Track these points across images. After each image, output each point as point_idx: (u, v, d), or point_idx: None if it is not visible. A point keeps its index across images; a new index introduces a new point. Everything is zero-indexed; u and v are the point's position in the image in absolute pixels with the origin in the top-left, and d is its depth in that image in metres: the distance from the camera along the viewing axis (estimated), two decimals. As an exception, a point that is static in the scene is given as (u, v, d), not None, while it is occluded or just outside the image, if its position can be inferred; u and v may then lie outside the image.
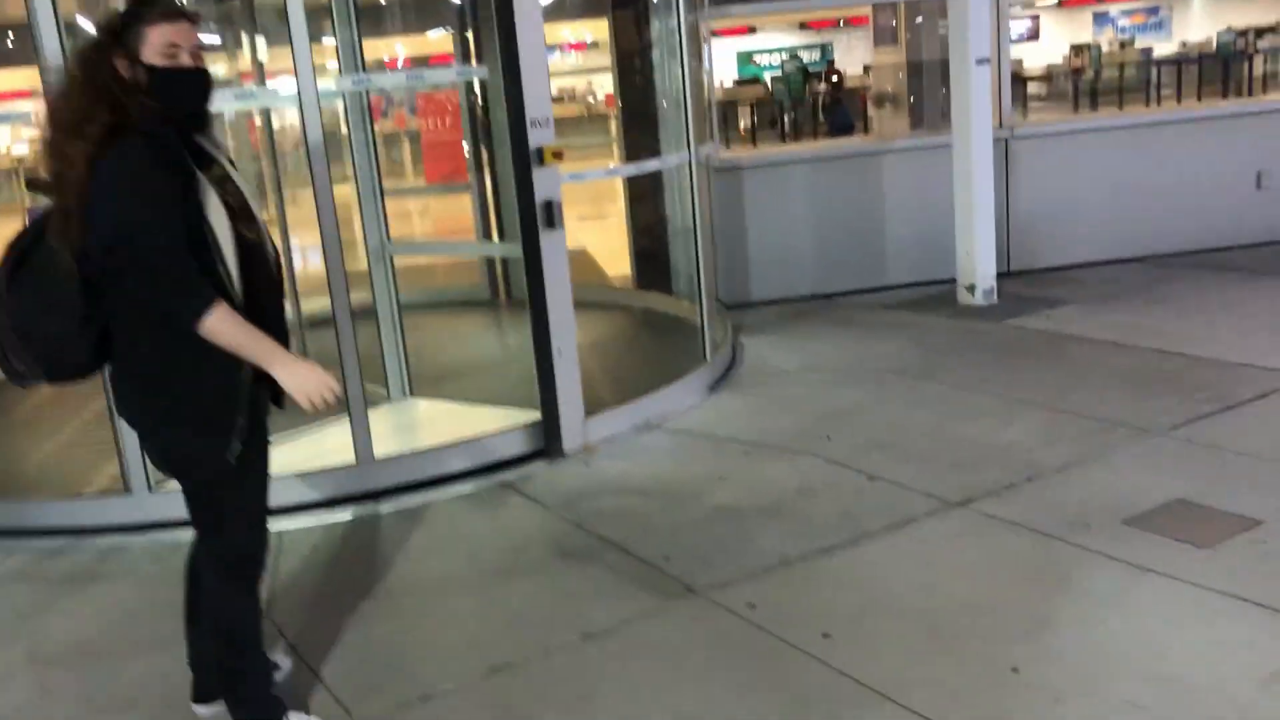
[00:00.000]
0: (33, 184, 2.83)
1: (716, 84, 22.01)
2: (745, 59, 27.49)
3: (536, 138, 4.51)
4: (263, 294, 2.57)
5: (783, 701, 2.86)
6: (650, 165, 5.80)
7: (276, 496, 2.87)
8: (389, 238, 5.45)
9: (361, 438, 4.48)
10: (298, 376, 2.50)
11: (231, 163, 2.64)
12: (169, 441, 2.63)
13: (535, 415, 4.79)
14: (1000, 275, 7.11)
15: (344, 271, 4.36)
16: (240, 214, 2.54)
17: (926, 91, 8.72)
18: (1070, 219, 7.61)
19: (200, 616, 2.89)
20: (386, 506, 4.45)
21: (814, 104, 17.33)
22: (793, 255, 7.44)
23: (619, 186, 7.31)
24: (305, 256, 6.34)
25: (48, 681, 3.28)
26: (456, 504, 4.44)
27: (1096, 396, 4.99)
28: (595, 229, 9.83)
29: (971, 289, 6.89)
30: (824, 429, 4.91)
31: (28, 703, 3.18)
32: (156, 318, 2.46)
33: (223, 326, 2.42)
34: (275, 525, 3.72)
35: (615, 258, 8.27)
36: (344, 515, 4.40)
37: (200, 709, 3.01)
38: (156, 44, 2.45)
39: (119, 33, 2.47)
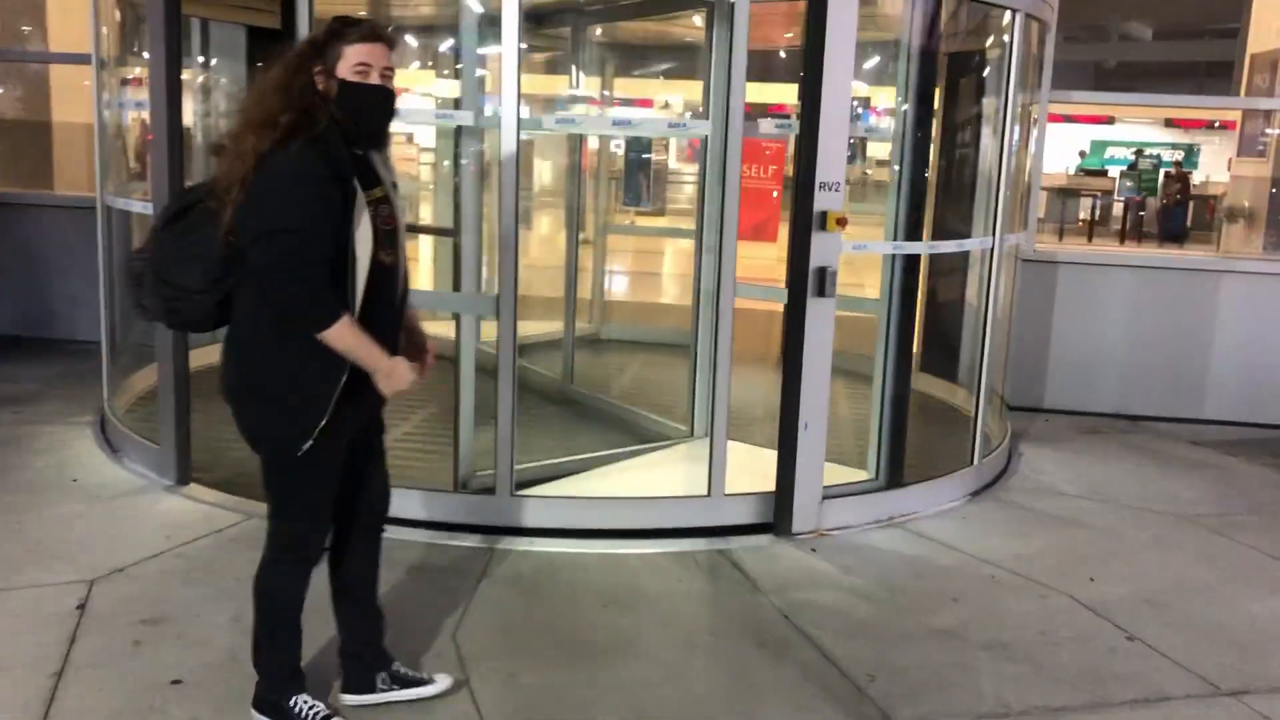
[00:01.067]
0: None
1: (1061, 170, 21.01)
2: (1100, 149, 25.96)
3: (823, 201, 4.28)
4: (379, 309, 2.68)
5: None
6: (943, 246, 5.41)
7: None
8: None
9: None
10: (389, 376, 2.66)
11: (395, 185, 2.72)
12: (254, 417, 2.74)
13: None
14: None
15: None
16: (384, 239, 2.66)
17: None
18: None
19: (353, 609, 3.07)
20: (595, 545, 4.33)
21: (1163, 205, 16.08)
22: (1098, 365, 6.78)
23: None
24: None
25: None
26: (666, 559, 4.25)
27: None
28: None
29: (1304, 441, 6.01)
30: (1089, 569, 4.37)
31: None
32: (271, 315, 2.61)
33: (342, 337, 2.58)
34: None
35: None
36: (561, 548, 4.32)
37: (347, 698, 3.10)
38: (351, 61, 2.61)
39: (321, 47, 2.63)
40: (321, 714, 2.90)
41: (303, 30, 3.97)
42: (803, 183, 4.30)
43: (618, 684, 3.29)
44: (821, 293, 4.35)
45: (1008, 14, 4.90)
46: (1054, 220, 17.22)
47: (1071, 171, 21.04)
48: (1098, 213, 17.06)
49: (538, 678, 3.30)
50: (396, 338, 2.80)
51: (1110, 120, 25.66)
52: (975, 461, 5.20)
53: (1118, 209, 17.64)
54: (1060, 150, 24.27)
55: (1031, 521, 4.93)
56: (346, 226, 2.57)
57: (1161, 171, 18.50)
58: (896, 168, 4.81)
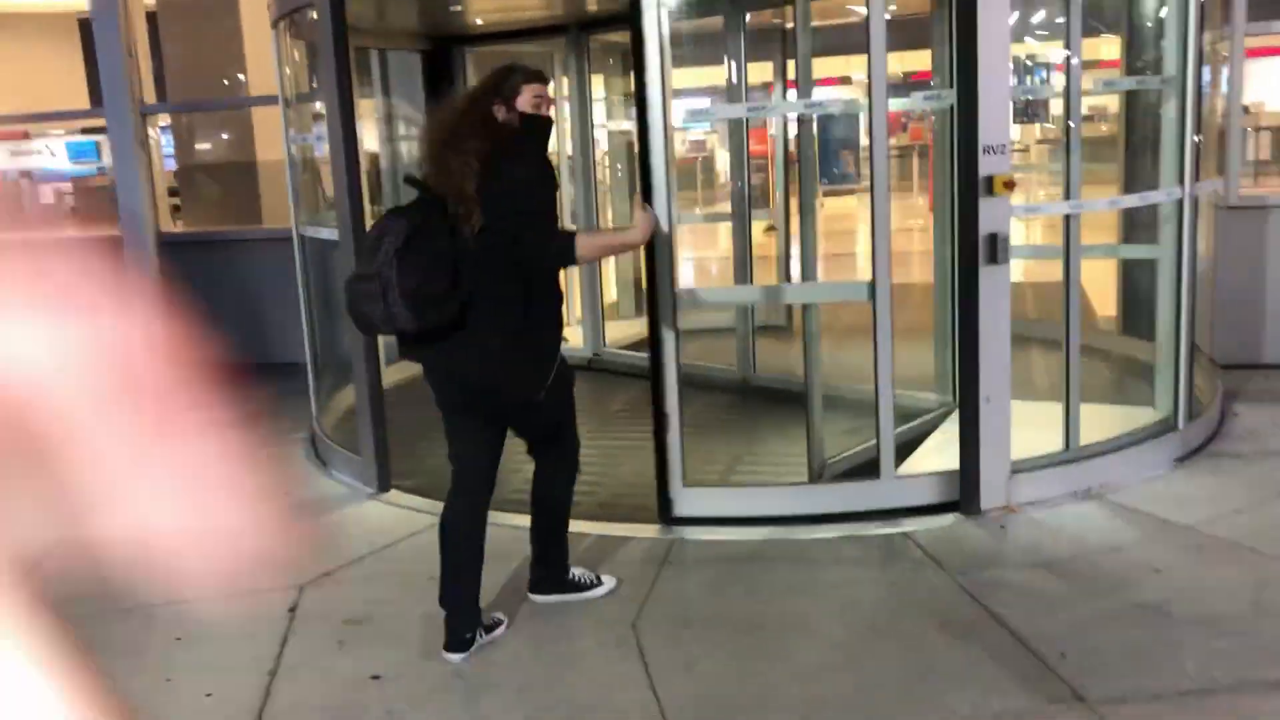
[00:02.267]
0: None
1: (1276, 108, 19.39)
2: (1328, 80, 23.77)
3: (988, 165, 4.13)
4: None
5: None
6: (1125, 201, 5.11)
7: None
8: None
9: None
10: (639, 227, 3.77)
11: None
12: (512, 388, 3.41)
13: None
14: None
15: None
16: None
17: None
18: None
19: (545, 520, 3.79)
20: (770, 532, 4.32)
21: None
22: (1323, 315, 6.25)
23: (1113, 218, 6.54)
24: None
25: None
26: (847, 544, 4.20)
27: None
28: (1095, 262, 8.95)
29: None
30: (1312, 533, 4.05)
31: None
32: (521, 291, 3.33)
33: (591, 245, 3.61)
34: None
35: (1105, 296, 7.46)
36: (747, 534, 4.34)
37: (535, 597, 3.81)
38: (528, 97, 3.39)
39: (499, 84, 3.41)
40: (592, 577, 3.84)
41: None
42: (965, 147, 4.16)
43: (795, 671, 3.28)
44: (994, 260, 4.20)
45: (1182, -54, 4.59)
46: None
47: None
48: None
49: (716, 665, 3.33)
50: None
51: (1340, 47, 23.49)
52: (1180, 425, 4.89)
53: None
54: (1284, 85, 22.41)
55: (1244, 486, 4.60)
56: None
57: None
58: (1070, 123, 4.58)
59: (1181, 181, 4.73)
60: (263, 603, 3.93)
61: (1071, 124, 4.57)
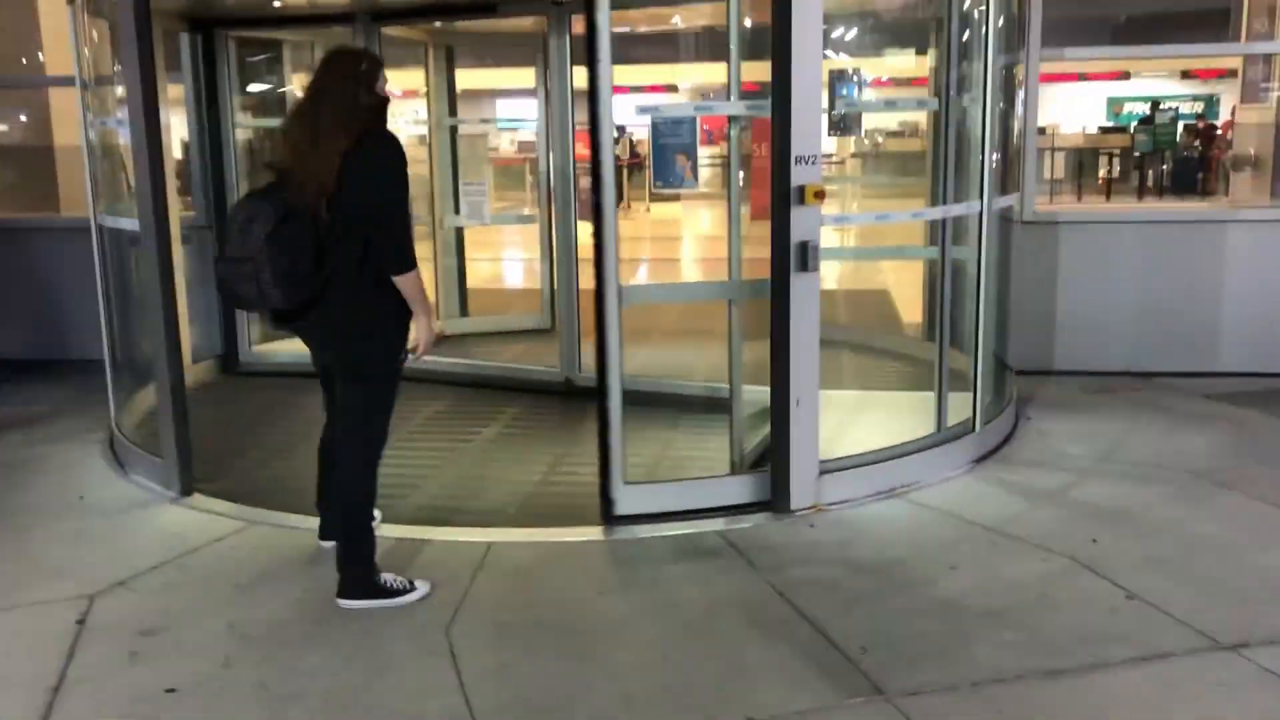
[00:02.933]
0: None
1: (1079, 130, 20.71)
2: (1118, 105, 25.56)
3: (800, 175, 4.25)
4: None
5: None
6: (928, 213, 5.36)
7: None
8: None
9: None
10: (427, 331, 3.68)
11: None
12: (363, 352, 3.66)
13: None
14: (1359, 376, 6.08)
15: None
16: None
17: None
18: None
19: (330, 488, 3.98)
20: (595, 532, 4.35)
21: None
22: (1108, 324, 6.70)
23: (921, 229, 6.85)
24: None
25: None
26: (664, 543, 4.26)
27: None
28: (906, 272, 9.35)
29: (1317, 389, 5.91)
30: (1092, 529, 4.32)
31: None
32: (370, 272, 3.52)
33: (415, 281, 3.59)
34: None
35: (912, 305, 7.80)
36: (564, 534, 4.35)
37: (325, 544, 4.05)
38: (382, 82, 3.63)
39: (356, 70, 3.59)
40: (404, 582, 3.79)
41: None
42: (778, 157, 4.27)
43: (607, 671, 3.30)
44: (804, 267, 4.32)
45: (982, -26, 4.83)
46: (1076, 180, 16.98)
47: (1089, 131, 20.72)
48: (1115, 170, 16.77)
49: (529, 667, 3.31)
50: None
51: (1126, 75, 25.29)
52: (977, 428, 5.15)
53: (1139, 166, 17.37)
54: (1083, 109, 23.98)
55: (1035, 485, 4.88)
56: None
57: (1181, 124, 18.16)
58: (879, 139, 4.76)
59: (981, 196, 4.98)
60: (48, 615, 3.69)
61: (879, 140, 4.74)
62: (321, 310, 3.59)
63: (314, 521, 4.21)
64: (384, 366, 3.69)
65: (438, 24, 7.29)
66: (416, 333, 3.67)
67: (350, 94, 3.53)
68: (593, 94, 4.20)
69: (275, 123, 7.29)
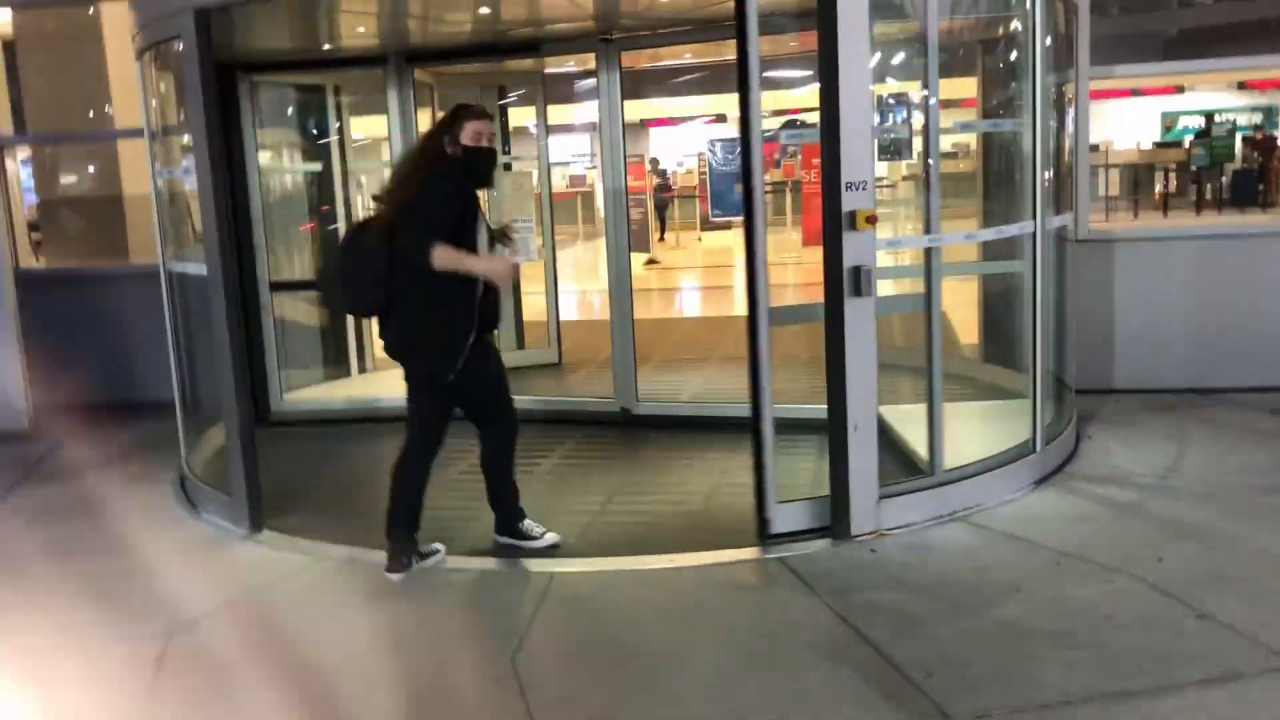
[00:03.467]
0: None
1: (1133, 146, 20.48)
2: (1174, 119, 25.25)
3: (851, 201, 4.29)
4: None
5: None
6: (981, 235, 5.36)
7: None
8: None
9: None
10: (490, 264, 4.24)
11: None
12: (418, 365, 4.29)
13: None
14: None
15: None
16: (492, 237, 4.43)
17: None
18: None
19: (491, 482, 4.59)
20: (649, 562, 4.38)
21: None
22: (1167, 341, 6.62)
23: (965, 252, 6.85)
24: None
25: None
26: (722, 570, 4.28)
27: None
28: (963, 293, 9.31)
29: (1387, 401, 5.79)
30: (1158, 549, 4.27)
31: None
32: (423, 290, 4.12)
33: (442, 254, 4.02)
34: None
35: (969, 325, 7.76)
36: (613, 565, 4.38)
37: (500, 539, 4.63)
38: (469, 131, 4.20)
39: (448, 122, 4.26)
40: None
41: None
42: (828, 183, 4.31)
43: (671, 698, 3.32)
44: (858, 292, 4.34)
45: (1028, -3, 4.85)
46: (1131, 197, 16.83)
47: (1144, 147, 20.52)
48: (1172, 185, 16.58)
49: (594, 695, 3.35)
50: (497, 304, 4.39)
51: (1180, 90, 24.97)
52: (1038, 448, 5.12)
53: (1196, 181, 17.14)
54: (1136, 125, 23.74)
55: (1097, 505, 4.83)
56: (471, 223, 4.21)
57: (1239, 136, 17.90)
58: (930, 161, 4.78)
59: (1034, 216, 4.98)
60: (126, 653, 3.79)
61: (930, 162, 4.75)
62: (389, 323, 4.28)
63: (381, 555, 4.32)
64: (426, 382, 4.29)
65: (473, 65, 7.41)
66: (491, 273, 4.22)
67: (438, 140, 4.25)
68: (744, 119, 4.29)
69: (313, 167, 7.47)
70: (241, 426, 4.87)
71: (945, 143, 6.87)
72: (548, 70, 8.27)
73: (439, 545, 4.48)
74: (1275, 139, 16.70)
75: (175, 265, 5.49)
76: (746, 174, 4.33)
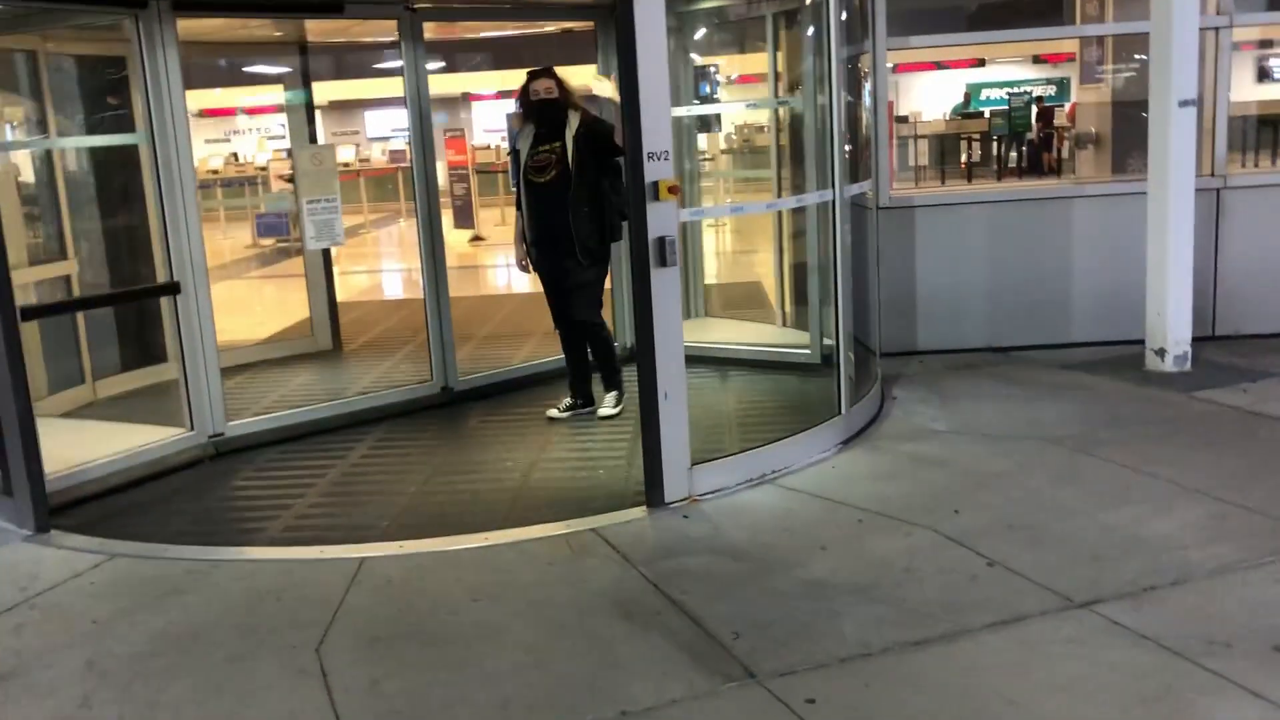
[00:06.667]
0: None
1: (939, 116, 21.31)
2: (976, 91, 26.40)
3: (653, 171, 4.29)
4: (529, 204, 5.71)
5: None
6: (782, 203, 5.47)
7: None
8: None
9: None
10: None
11: (560, 142, 5.55)
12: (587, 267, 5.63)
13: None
14: (1200, 339, 6.41)
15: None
16: (531, 170, 5.62)
17: (1131, 134, 7.99)
18: (1291, 280, 6.77)
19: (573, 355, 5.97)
20: (465, 541, 4.32)
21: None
22: (966, 304, 6.93)
23: (773, 222, 6.99)
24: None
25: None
26: (539, 544, 4.25)
27: (1281, 491, 4.34)
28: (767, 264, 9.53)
29: (1161, 353, 6.20)
30: (955, 501, 4.47)
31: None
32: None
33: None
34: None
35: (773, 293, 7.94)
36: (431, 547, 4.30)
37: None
38: (534, 90, 5.54)
39: (527, 84, 5.61)
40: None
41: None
42: (632, 155, 4.31)
43: (484, 676, 3.28)
44: (664, 262, 4.36)
45: (821, -33, 4.95)
46: (939, 166, 17.49)
47: (948, 117, 21.36)
48: (975, 154, 17.34)
49: (401, 680, 3.27)
50: (544, 233, 5.69)
51: (981, 62, 26.11)
52: (843, 410, 5.27)
53: (997, 149, 17.97)
54: (943, 97, 24.72)
55: (900, 463, 5.02)
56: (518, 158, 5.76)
57: (1033, 108, 18.84)
58: (730, 132, 4.83)
59: (832, 185, 5.10)
60: (-109, 668, 3.51)
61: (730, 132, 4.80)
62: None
63: (177, 549, 4.13)
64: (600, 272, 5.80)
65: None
66: None
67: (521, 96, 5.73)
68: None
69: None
70: (21, 418, 4.55)
71: (761, 116, 7.02)
72: (365, 39, 8.00)
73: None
74: (1052, 109, 17.65)
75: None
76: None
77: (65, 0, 5.33)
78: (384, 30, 6.87)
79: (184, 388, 5.58)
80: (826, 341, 6.03)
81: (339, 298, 8.34)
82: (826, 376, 5.35)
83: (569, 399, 5.98)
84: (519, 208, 5.75)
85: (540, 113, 5.56)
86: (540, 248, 5.66)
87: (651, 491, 4.53)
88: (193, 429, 5.59)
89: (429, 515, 4.68)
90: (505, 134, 23.97)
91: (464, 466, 5.34)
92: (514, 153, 5.79)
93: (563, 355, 6.06)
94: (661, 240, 4.33)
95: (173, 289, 5.50)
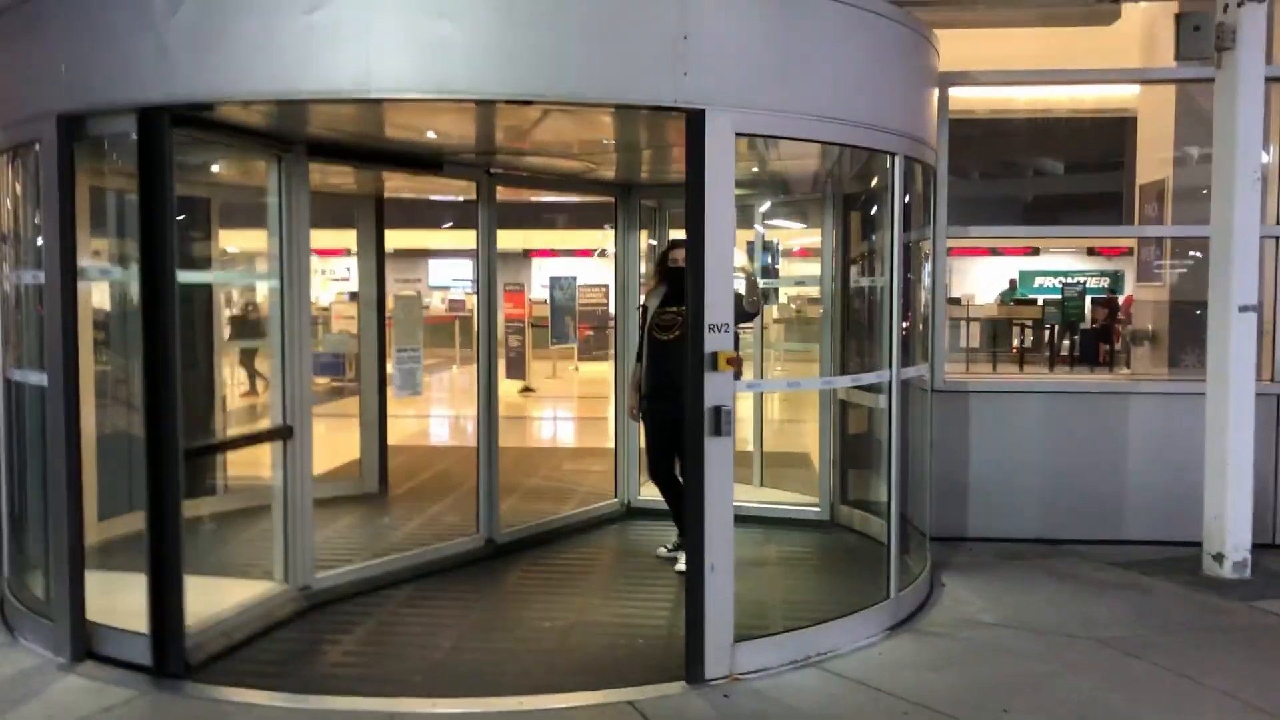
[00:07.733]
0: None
1: (991, 300, 21.48)
2: (1028, 279, 26.73)
3: (713, 343, 4.35)
4: (651, 362, 6.14)
5: None
6: (838, 381, 5.50)
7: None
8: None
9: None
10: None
11: (679, 308, 5.58)
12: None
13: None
14: (1260, 546, 6.25)
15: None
16: (656, 328, 6.08)
17: (1188, 331, 8.01)
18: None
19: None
20: (504, 704, 4.22)
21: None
22: (1018, 493, 6.83)
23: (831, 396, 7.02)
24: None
25: None
26: (575, 713, 4.15)
27: (1349, 715, 4.14)
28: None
29: (1219, 558, 6.04)
30: (1004, 699, 4.31)
31: None
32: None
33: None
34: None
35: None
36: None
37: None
38: (674, 258, 5.92)
39: (666, 251, 6.20)
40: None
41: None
42: (694, 325, 4.38)
43: None
44: (719, 432, 4.38)
45: (888, 158, 5.09)
46: (990, 349, 17.54)
47: (1000, 301, 21.55)
48: (1028, 341, 17.39)
49: None
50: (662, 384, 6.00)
51: (1035, 251, 26.49)
52: (892, 595, 5.16)
53: (1049, 336, 18.04)
54: (996, 282, 25.04)
55: (948, 653, 4.87)
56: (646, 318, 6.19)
57: (1089, 299, 18.97)
58: (793, 308, 4.91)
59: (890, 365, 5.13)
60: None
61: (793, 308, 4.88)
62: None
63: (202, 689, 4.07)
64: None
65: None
66: None
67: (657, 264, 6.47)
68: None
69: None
70: (70, 548, 4.59)
71: (815, 289, 7.13)
72: (436, 195, 8.30)
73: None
74: (1117, 301, 17.73)
75: (15, 374, 5.22)
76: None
77: (233, 141, 5.24)
78: (461, 190, 7.13)
79: (283, 536, 5.32)
80: (875, 520, 5.96)
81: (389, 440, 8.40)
82: (870, 545, 5.26)
83: (678, 538, 6.11)
84: (639, 359, 6.22)
85: (673, 277, 5.92)
86: (655, 399, 6.04)
87: (692, 667, 4.42)
88: (286, 581, 5.36)
89: (463, 673, 4.59)
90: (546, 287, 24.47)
91: (503, 623, 5.26)
92: (641, 309, 6.27)
93: (659, 499, 6.39)
94: (718, 410, 4.36)
95: (285, 433, 5.30)
